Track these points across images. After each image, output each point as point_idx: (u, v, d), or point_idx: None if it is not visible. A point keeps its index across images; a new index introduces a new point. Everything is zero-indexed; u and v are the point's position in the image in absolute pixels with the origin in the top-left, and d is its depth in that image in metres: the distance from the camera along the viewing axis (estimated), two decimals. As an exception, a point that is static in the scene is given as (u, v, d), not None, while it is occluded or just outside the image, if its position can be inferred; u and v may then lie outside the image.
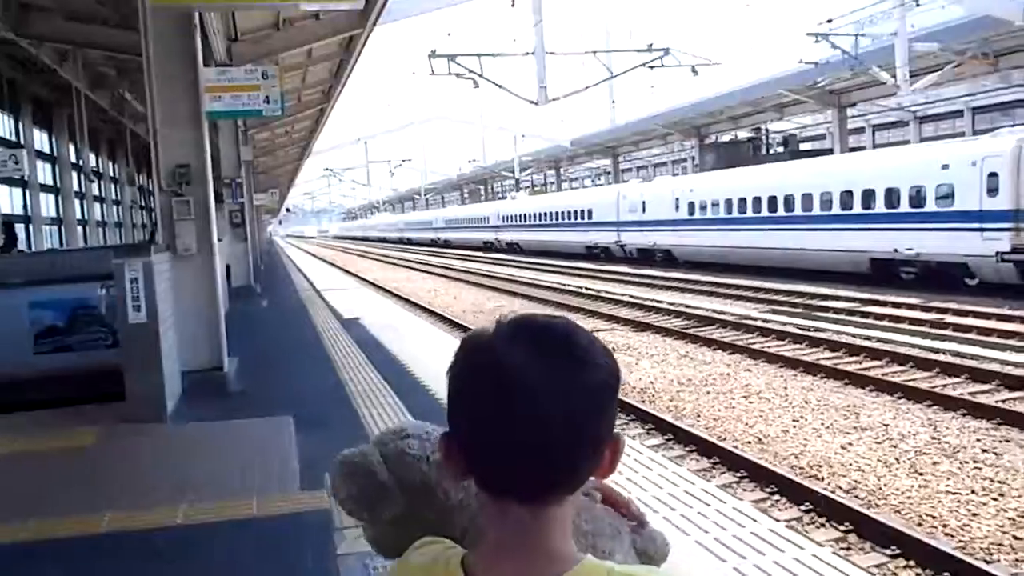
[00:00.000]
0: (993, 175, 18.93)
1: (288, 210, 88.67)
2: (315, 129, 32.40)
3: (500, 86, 20.73)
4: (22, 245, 18.73)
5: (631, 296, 23.34)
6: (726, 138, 42.54)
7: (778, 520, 6.85)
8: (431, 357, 11.67)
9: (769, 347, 14.99)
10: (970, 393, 10.88)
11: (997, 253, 18.96)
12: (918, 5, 19.50)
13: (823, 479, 8.19)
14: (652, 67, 21.36)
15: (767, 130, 39.61)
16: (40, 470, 6.23)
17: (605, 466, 1.03)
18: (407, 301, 25.57)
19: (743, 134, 40.40)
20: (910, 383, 11.45)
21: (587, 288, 26.23)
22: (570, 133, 50.73)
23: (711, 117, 38.66)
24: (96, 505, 5.01)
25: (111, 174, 31.93)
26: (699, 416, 10.78)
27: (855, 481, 8.06)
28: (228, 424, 7.08)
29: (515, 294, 26.69)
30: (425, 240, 73.95)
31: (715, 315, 18.89)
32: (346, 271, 42.04)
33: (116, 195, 32.45)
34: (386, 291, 29.28)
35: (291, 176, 56.62)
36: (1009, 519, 6.88)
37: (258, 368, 10.57)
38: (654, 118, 40.99)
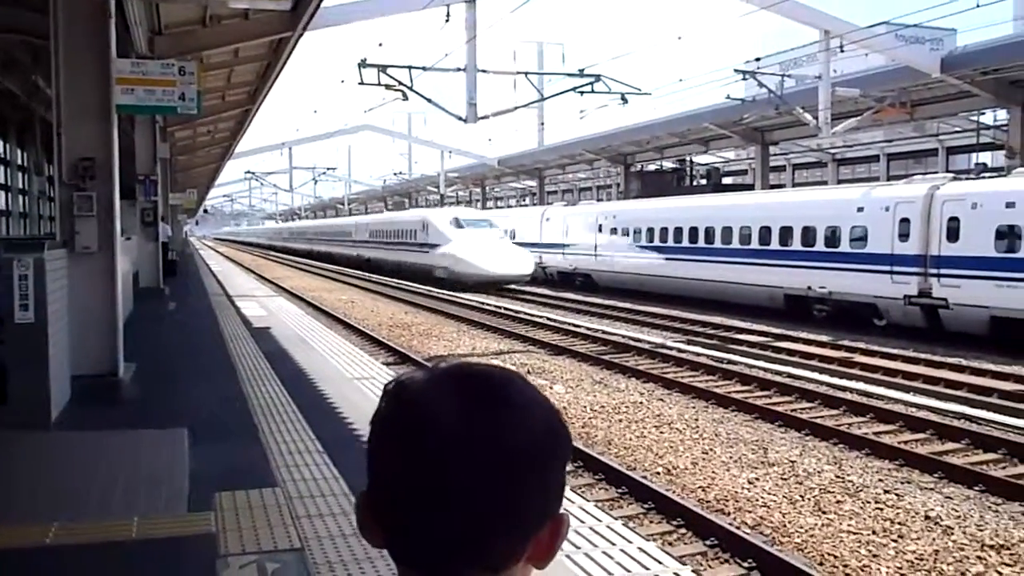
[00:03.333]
0: (905, 220, 19.47)
1: (206, 211, 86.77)
2: (239, 131, 31.72)
3: (429, 100, 20.51)
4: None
5: (549, 319, 23.31)
6: (652, 167, 43.11)
7: (683, 556, 6.82)
8: (340, 371, 11.36)
9: (683, 377, 15.07)
10: (875, 433, 11.06)
11: (905, 296, 19.49)
12: (842, 51, 20.06)
13: (729, 514, 8.18)
14: (582, 92, 21.46)
15: (691, 161, 40.21)
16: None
17: (542, 548, 0.86)
18: (322, 311, 25.08)
19: (668, 164, 40.97)
20: (817, 420, 11.60)
21: (506, 308, 26.13)
22: (498, 152, 50.79)
23: (637, 145, 39.11)
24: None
25: (19, 162, 30.68)
26: (610, 444, 10.72)
27: (760, 517, 8.06)
28: (116, 435, 6.66)
29: (433, 310, 26.45)
30: (303, 252, 70.72)
31: (631, 343, 18.96)
32: (262, 277, 41.17)
33: (23, 184, 31.18)
34: (302, 300, 28.70)
35: (211, 177, 55.40)
36: (908, 562, 6.93)
37: (156, 376, 10.08)
38: (582, 142, 41.26)
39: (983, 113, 25.27)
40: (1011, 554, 7.02)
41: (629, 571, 4.28)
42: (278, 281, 38.92)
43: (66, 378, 7.46)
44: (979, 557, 6.99)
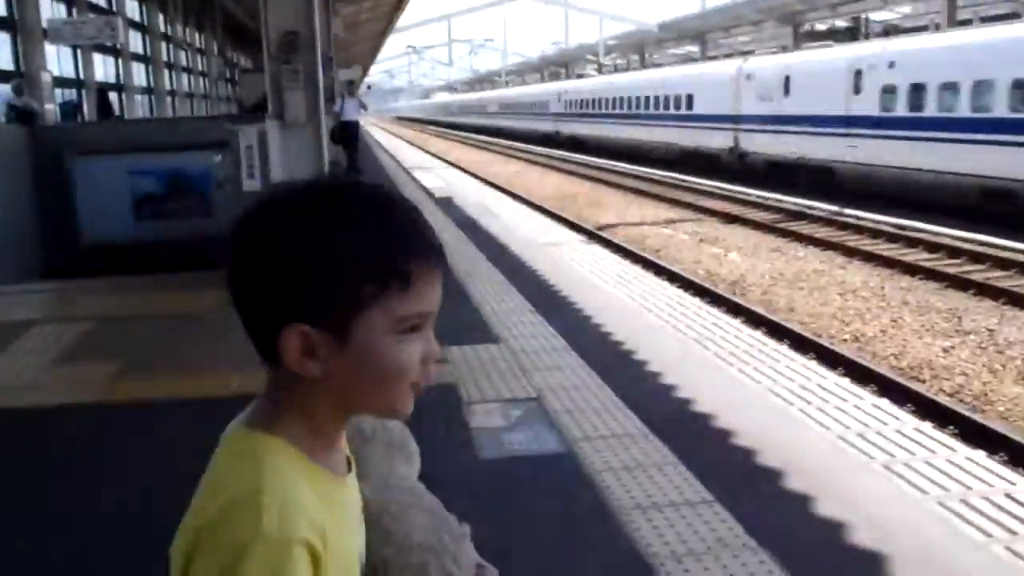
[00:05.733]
0: None
1: (369, 87, 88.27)
2: (400, 3, 31.87)
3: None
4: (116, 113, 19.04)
5: (718, 188, 22.87)
6: (822, 27, 40.68)
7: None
8: (530, 238, 11.64)
9: (864, 245, 14.66)
10: (1080, 303, 10.50)
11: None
12: None
13: (925, 381, 8.04)
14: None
15: (867, 19, 37.69)
16: (171, 330, 6.39)
17: (284, 358, 0.89)
18: (491, 184, 25.49)
19: (841, 23, 38.56)
20: (1015, 288, 11.09)
21: (671, 177, 25.79)
22: (657, 17, 49.07)
23: (807, 3, 36.84)
24: (224, 366, 4.98)
25: (198, 45, 32.04)
26: (792, 311, 10.65)
27: (959, 385, 7.90)
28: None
29: (596, 180, 26.44)
30: (475, 127, 67.00)
31: (806, 210, 18.46)
32: (427, 151, 42.03)
33: (202, 67, 32.61)
34: (469, 172, 29.22)
35: (372, 53, 56.11)
36: None
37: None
38: (748, 2, 39.24)
39: None
40: None
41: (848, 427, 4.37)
42: (441, 155, 39.61)
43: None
44: None
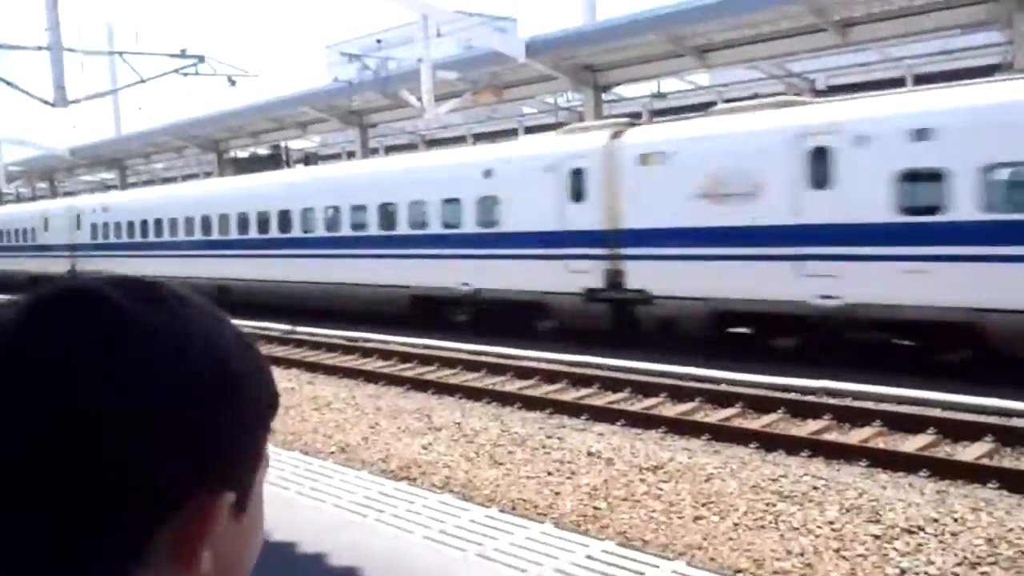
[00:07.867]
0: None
1: None
2: None
3: (11, 84, 17.96)
4: None
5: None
6: (245, 154, 41.91)
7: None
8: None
9: (323, 359, 15.14)
10: (519, 388, 11.99)
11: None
12: (439, 36, 21.11)
13: (415, 479, 8.43)
14: (186, 74, 20.22)
15: (287, 147, 39.83)
16: None
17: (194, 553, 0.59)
18: None
19: (263, 151, 40.15)
20: (467, 384, 12.30)
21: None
22: (77, 140, 46.06)
23: (230, 131, 37.78)
24: None
25: None
26: (274, 432, 10.48)
27: (447, 478, 8.42)
28: None
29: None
30: None
31: (259, 331, 18.58)
32: None
33: None
34: None
35: None
36: (586, 493, 7.70)
37: None
38: (169, 129, 38.92)
39: (562, 95, 28.05)
40: (664, 472, 8.08)
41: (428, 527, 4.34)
42: None
43: None
44: (641, 479, 7.95)
